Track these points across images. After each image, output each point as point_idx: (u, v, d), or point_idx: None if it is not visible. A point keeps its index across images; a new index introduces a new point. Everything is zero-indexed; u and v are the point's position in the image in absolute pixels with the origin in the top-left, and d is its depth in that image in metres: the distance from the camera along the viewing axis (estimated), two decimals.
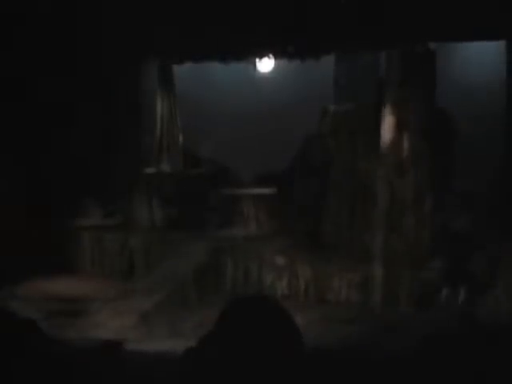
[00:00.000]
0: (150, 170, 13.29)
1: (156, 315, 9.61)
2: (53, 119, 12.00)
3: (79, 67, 11.71)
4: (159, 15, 10.04)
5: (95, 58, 11.36)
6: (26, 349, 3.34)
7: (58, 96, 11.87)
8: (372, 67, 10.96)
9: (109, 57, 11.29)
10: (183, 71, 13.01)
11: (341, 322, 9.16)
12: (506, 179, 10.71)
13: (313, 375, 3.27)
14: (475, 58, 12.03)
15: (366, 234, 10.46)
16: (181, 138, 13.65)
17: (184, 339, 7.81)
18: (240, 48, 10.42)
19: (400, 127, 9.34)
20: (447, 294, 9.25)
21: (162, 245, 11.40)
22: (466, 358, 4.84)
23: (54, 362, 3.54)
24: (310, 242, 11.37)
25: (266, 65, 12.64)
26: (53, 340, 3.74)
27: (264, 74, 13.23)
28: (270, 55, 11.12)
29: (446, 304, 9.10)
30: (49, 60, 11.12)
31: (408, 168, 9.35)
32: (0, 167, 11.54)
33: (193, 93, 13.50)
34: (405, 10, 8.95)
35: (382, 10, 9.06)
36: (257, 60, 12.01)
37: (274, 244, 11.17)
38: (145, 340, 8.63)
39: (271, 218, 12.43)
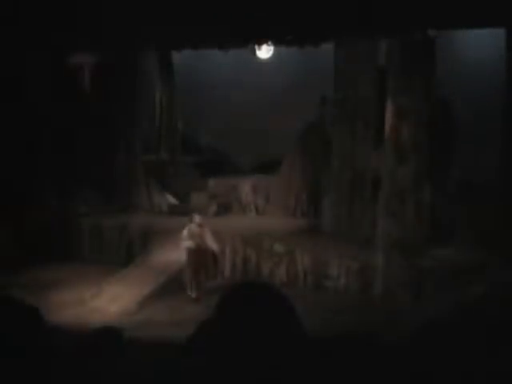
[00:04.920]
0: (149, 157, 13.29)
1: (155, 301, 9.64)
2: (50, 109, 11.99)
3: (79, 54, 11.69)
4: (159, 2, 10.00)
5: (95, 45, 11.32)
6: (28, 335, 3.37)
7: (56, 84, 11.88)
8: (372, 55, 10.92)
9: (108, 44, 11.25)
10: (183, 59, 12.95)
11: (339, 308, 9.19)
12: (506, 166, 10.67)
13: (312, 361, 3.30)
14: (475, 45, 11.99)
15: (365, 221, 10.49)
16: (180, 125, 13.64)
17: (183, 325, 7.84)
18: (239, 35, 10.38)
19: (400, 115, 9.33)
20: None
21: (161, 231, 11.41)
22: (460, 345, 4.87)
23: (54, 348, 3.57)
24: (309, 229, 11.40)
25: (265, 52, 12.59)
26: (54, 327, 3.76)
27: (263, 60, 13.19)
28: (269, 42, 11.06)
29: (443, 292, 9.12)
30: (46, 49, 11.09)
31: (408, 155, 9.35)
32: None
33: (192, 80, 13.47)
34: None
35: None
36: (256, 47, 11.96)
37: (273, 231, 11.18)
38: (144, 326, 8.66)
39: (270, 204, 12.45)
